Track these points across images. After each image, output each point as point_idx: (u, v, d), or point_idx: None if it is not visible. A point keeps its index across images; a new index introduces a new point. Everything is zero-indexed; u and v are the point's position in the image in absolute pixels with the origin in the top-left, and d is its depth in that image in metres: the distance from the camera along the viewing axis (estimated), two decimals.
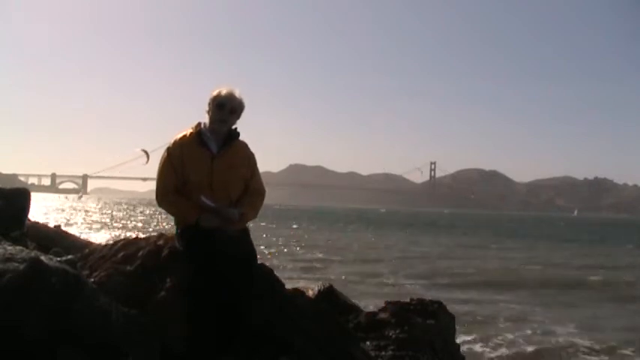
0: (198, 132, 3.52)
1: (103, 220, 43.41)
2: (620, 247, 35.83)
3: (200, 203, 3.36)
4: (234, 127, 3.62)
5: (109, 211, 61.00)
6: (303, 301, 4.12)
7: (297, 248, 25.49)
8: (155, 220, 44.91)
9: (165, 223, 36.80)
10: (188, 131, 3.55)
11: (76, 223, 36.48)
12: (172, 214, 3.61)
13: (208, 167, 3.46)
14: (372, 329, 4.74)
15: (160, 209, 3.72)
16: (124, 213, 60.72)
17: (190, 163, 3.46)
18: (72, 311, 2.92)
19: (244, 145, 3.66)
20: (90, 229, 31.84)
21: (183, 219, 3.51)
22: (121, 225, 37.72)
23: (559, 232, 56.82)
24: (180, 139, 3.53)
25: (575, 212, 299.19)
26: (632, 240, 42.71)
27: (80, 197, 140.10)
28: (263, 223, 42.36)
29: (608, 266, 22.88)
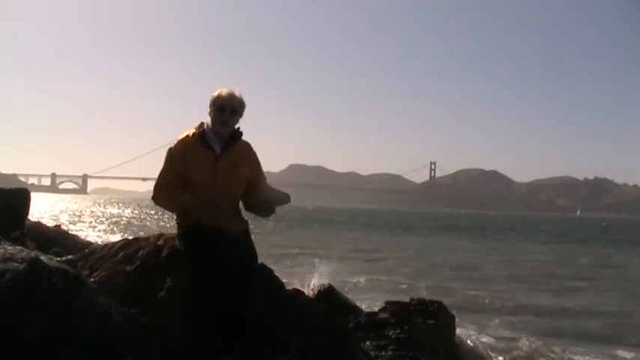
0: (202, 132, 3.52)
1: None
2: None
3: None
4: (237, 126, 3.62)
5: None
6: (303, 301, 4.12)
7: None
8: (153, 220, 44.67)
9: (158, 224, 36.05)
10: (191, 131, 3.54)
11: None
12: (168, 210, 3.77)
13: (212, 168, 3.46)
14: (372, 329, 4.75)
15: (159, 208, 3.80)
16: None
17: (194, 164, 3.46)
18: (72, 311, 2.92)
19: (247, 146, 3.65)
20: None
21: (184, 218, 3.53)
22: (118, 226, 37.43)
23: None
24: (183, 139, 3.53)
25: (578, 212, 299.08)
26: None
27: None
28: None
29: None
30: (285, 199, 3.85)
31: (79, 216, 47.78)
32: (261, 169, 3.75)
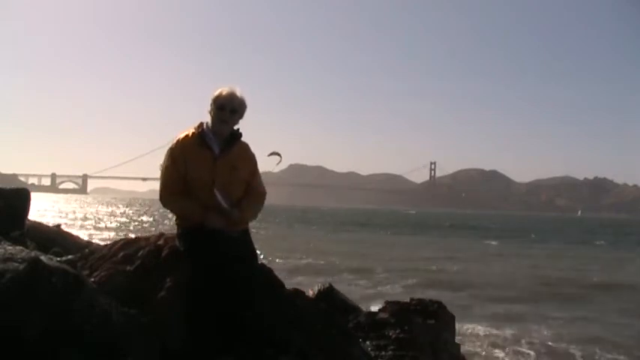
0: (201, 133, 3.52)
1: None
2: None
3: (215, 198, 3.37)
4: (236, 127, 3.62)
5: None
6: (303, 301, 4.12)
7: None
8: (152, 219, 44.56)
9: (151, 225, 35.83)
10: (190, 131, 3.55)
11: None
12: (177, 215, 3.62)
13: (210, 168, 3.46)
14: (372, 329, 4.74)
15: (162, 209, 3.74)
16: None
17: (193, 164, 3.46)
18: (72, 311, 2.92)
19: (246, 147, 3.66)
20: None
21: (187, 219, 3.51)
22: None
23: None
24: (183, 139, 3.53)
25: (579, 212, 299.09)
26: None
27: None
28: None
29: None
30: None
31: (79, 216, 47.68)
32: (256, 172, 3.71)
